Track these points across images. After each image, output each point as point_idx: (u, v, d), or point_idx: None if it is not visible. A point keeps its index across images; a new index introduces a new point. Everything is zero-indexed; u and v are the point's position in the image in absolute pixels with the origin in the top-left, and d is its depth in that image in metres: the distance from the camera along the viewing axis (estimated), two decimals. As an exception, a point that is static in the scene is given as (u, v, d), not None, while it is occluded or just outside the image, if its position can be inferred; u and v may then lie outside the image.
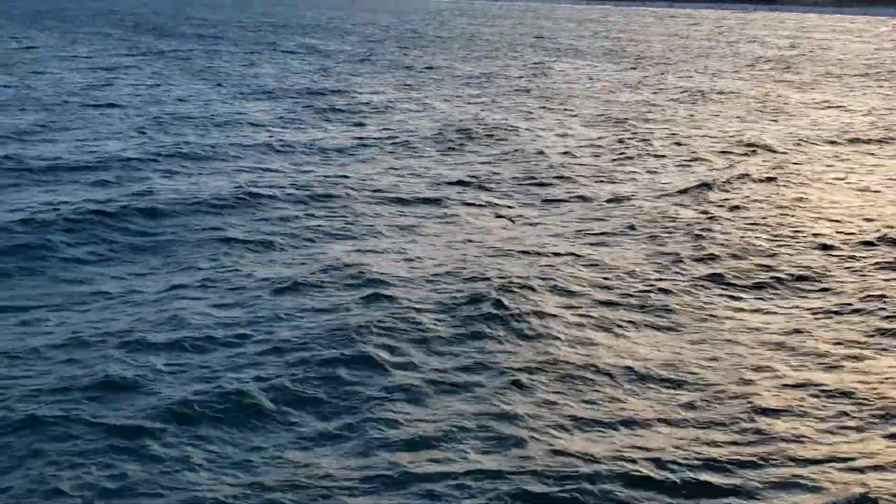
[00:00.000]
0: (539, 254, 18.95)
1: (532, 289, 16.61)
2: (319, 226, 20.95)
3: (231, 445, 11.72)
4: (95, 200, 22.63)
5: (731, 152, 28.54)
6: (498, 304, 15.92)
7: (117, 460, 11.28)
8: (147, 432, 11.94)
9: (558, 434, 11.87)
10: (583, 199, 23.31)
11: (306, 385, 13.14)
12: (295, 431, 12.04)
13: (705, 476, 10.78)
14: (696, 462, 11.09)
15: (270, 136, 31.04)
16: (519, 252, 19.06)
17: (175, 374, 13.53)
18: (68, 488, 10.73)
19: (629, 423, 12.15)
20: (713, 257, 18.55)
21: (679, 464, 11.06)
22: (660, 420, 12.25)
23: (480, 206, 22.70)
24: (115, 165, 26.62)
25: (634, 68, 50.68)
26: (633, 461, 11.16)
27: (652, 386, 13.21)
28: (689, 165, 26.96)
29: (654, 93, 41.65)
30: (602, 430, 12.01)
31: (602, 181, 25.06)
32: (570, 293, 16.60)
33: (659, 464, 11.07)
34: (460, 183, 24.86)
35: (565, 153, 28.62)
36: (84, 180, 25.04)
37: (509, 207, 22.64)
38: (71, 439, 11.79)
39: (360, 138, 31.09)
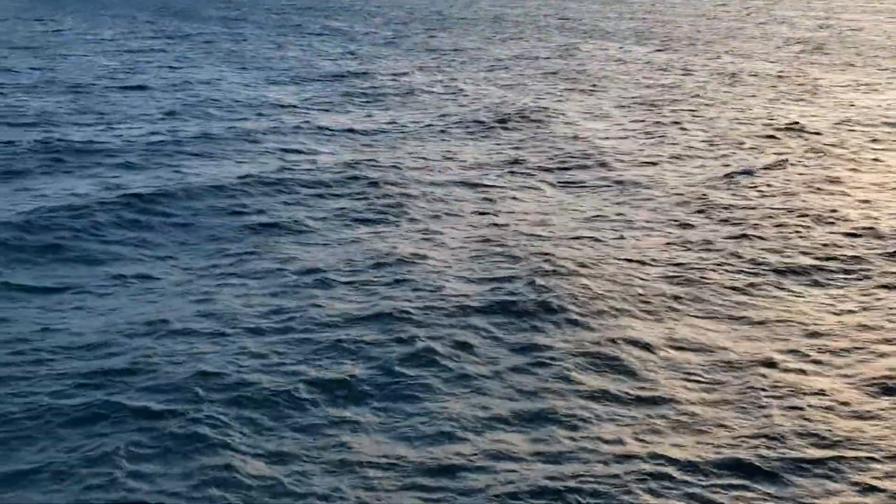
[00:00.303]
0: (576, 238, 18.87)
1: (572, 274, 16.55)
2: (354, 210, 20.92)
3: (267, 431, 11.72)
4: (127, 185, 22.70)
5: (766, 135, 28.29)
6: (537, 288, 15.87)
7: (149, 445, 11.32)
8: (179, 416, 11.98)
9: (598, 423, 11.80)
10: (619, 183, 23.18)
11: (344, 371, 13.13)
12: (331, 418, 12.02)
13: (752, 467, 10.71)
14: (739, 453, 11.01)
15: (300, 120, 31.01)
16: (556, 237, 18.98)
17: (211, 359, 13.54)
18: (105, 473, 10.78)
19: (667, 409, 12.08)
20: (751, 242, 18.43)
21: (722, 455, 10.98)
22: (701, 407, 12.17)
23: (516, 189, 22.61)
24: (146, 149, 26.68)
25: (663, 50, 50.33)
26: (676, 448, 11.10)
27: (693, 374, 13.12)
28: (724, 149, 26.75)
29: (685, 74, 41.34)
30: (642, 416, 11.94)
31: (638, 165, 24.90)
32: (610, 279, 16.51)
33: (705, 455, 11.00)
34: (495, 166, 24.78)
35: (599, 136, 28.45)
36: (114, 164, 25.12)
37: (545, 191, 22.53)
38: (105, 424, 11.84)
39: (391, 122, 31.01)
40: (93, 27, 61.13)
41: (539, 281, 16.11)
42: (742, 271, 16.91)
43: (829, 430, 11.41)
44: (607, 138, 28.30)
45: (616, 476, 10.52)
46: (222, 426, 11.76)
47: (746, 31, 60.55)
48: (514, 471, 10.72)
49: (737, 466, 10.66)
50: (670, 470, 10.61)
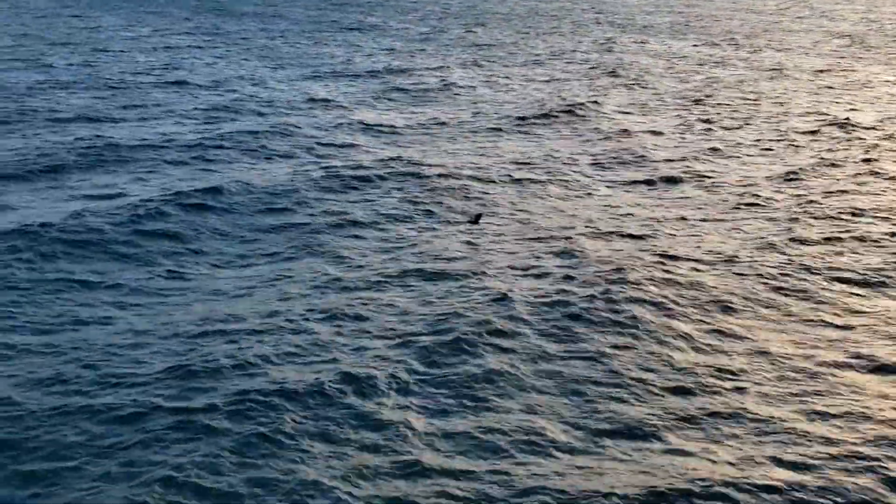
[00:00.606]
0: (632, 236, 18.68)
1: (637, 276, 16.39)
2: (401, 207, 20.78)
3: (326, 429, 11.73)
4: (171, 183, 22.66)
5: (817, 131, 27.93)
6: (602, 291, 15.68)
7: (219, 443, 11.35)
8: (244, 414, 11.95)
9: (662, 431, 11.59)
10: (670, 180, 22.94)
11: (406, 370, 13.12)
12: (389, 415, 11.94)
13: (841, 473, 10.50)
14: (821, 458, 10.80)
15: (341, 117, 30.87)
16: (611, 235, 18.79)
17: (273, 359, 13.50)
18: (181, 468, 10.77)
19: (744, 414, 11.87)
20: (809, 242, 18.16)
21: (808, 459, 10.78)
22: (776, 408, 11.95)
23: (565, 186, 22.37)
24: (188, 146, 26.62)
25: (704, 44, 49.85)
26: (754, 456, 10.90)
27: (763, 377, 12.89)
28: (771, 145, 26.44)
29: (726, 69, 40.90)
30: (722, 424, 11.74)
31: (688, 161, 24.61)
32: (667, 278, 16.35)
33: (789, 458, 10.81)
34: (541, 162, 24.53)
35: (644, 132, 28.15)
36: (157, 162, 25.08)
37: (595, 188, 22.29)
38: (166, 422, 11.86)
39: (433, 118, 30.81)
40: (130, 24, 61.27)
41: (603, 283, 15.91)
42: (804, 272, 16.65)
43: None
44: (652, 134, 28.01)
45: (706, 488, 10.35)
46: (283, 422, 11.81)
47: (786, 24, 59.94)
48: (571, 477, 10.57)
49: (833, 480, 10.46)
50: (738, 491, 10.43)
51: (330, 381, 12.69)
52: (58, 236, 18.50)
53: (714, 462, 10.81)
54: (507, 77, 39.25)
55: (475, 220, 19.21)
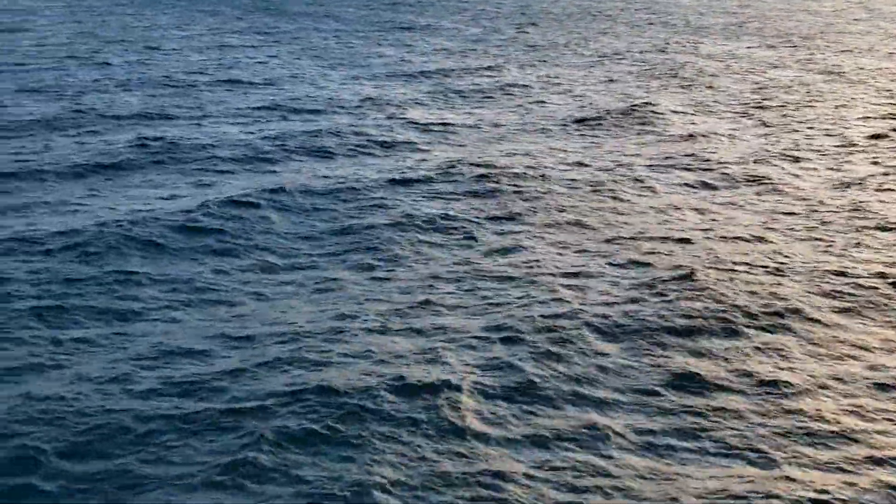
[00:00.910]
0: (695, 240, 18.46)
1: (696, 279, 16.18)
2: (461, 210, 20.69)
3: (391, 435, 11.72)
4: (227, 184, 22.74)
5: (878, 136, 27.39)
6: (662, 293, 15.52)
7: (293, 450, 11.35)
8: (303, 415, 11.96)
9: (744, 445, 11.35)
10: (729, 183, 22.68)
11: (469, 374, 13.05)
12: (453, 420, 11.92)
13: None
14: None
15: (399, 118, 30.79)
16: (672, 238, 18.59)
17: (334, 361, 13.53)
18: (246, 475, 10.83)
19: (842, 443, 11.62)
20: (872, 249, 17.83)
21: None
22: (869, 422, 11.68)
23: (628, 189, 22.17)
24: (243, 147, 26.69)
25: (759, 46, 49.24)
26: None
27: (851, 389, 12.62)
28: (833, 149, 26.01)
29: (785, 71, 40.38)
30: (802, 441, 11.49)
31: (747, 164, 24.34)
32: (734, 284, 16.11)
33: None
34: (604, 165, 24.30)
35: (705, 134, 27.85)
36: (213, 163, 25.16)
37: (658, 191, 22.02)
38: (237, 426, 11.86)
39: (491, 119, 30.71)
40: (184, 22, 61.65)
41: (670, 289, 15.73)
42: (871, 279, 16.30)
43: None
44: (709, 136, 27.70)
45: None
46: (342, 425, 11.83)
47: (842, 26, 59.09)
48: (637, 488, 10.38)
49: None
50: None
51: (390, 384, 12.68)
52: (113, 236, 18.59)
53: (800, 480, 10.53)
54: (562, 78, 39.00)
55: None
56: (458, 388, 12.52)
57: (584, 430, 11.55)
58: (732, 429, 11.51)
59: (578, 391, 12.54)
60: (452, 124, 29.86)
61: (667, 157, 25.22)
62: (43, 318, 14.99)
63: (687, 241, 18.48)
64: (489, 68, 41.65)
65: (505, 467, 10.79)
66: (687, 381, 12.76)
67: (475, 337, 14.15)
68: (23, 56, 44.49)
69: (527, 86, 36.91)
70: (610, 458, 10.98)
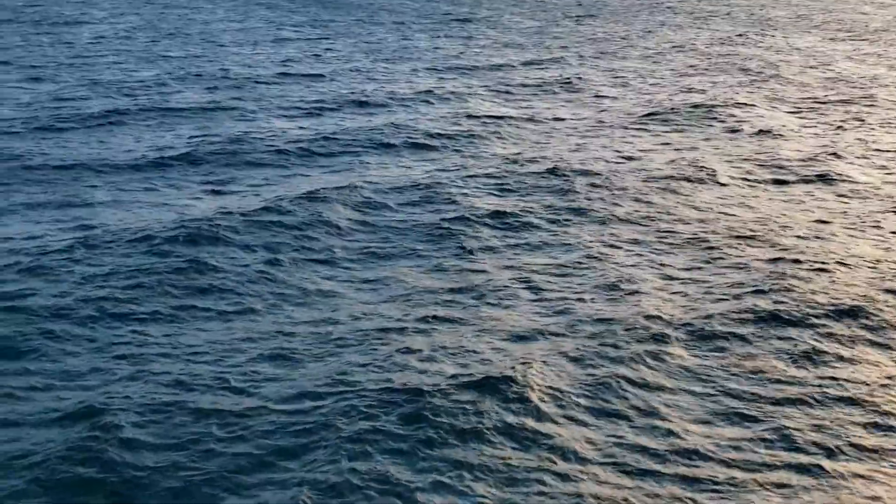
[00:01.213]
0: (774, 240, 18.21)
1: (781, 280, 15.90)
2: (536, 205, 20.53)
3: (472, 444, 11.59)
4: (295, 183, 22.60)
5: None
6: (747, 294, 15.36)
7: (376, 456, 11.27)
8: (380, 415, 11.88)
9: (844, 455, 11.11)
10: (805, 181, 22.21)
11: (545, 374, 12.92)
12: (528, 422, 11.78)
13: None
14: None
15: (461, 112, 30.66)
16: (750, 238, 18.31)
17: (412, 359, 13.45)
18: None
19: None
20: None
21: None
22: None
23: (703, 187, 21.86)
24: (307, 141, 26.72)
25: (830, 39, 48.45)
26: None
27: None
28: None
29: (859, 65, 39.67)
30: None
31: (822, 162, 23.86)
32: (821, 287, 15.88)
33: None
34: (677, 163, 23.84)
35: (777, 130, 27.45)
36: (278, 156, 25.17)
37: (733, 189, 21.66)
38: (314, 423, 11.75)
39: (556, 114, 30.54)
40: (240, 16, 61.89)
41: (754, 291, 15.48)
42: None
43: None
44: (783, 132, 27.33)
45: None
46: (418, 424, 11.76)
47: (917, 18, 58.01)
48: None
49: None
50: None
51: (466, 382, 12.58)
52: (182, 231, 18.60)
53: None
54: (624, 71, 38.61)
55: None
56: (531, 388, 12.42)
57: (660, 436, 11.37)
58: (816, 429, 11.27)
59: (653, 393, 12.34)
60: (513, 118, 29.64)
61: (735, 154, 24.84)
62: (113, 314, 15.04)
63: (759, 238, 18.18)
64: (549, 61, 41.34)
65: (575, 465, 10.70)
66: (766, 382, 12.54)
67: (546, 333, 14.04)
68: (82, 49, 44.90)
69: (587, 79, 36.58)
70: (685, 459, 10.80)
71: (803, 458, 10.92)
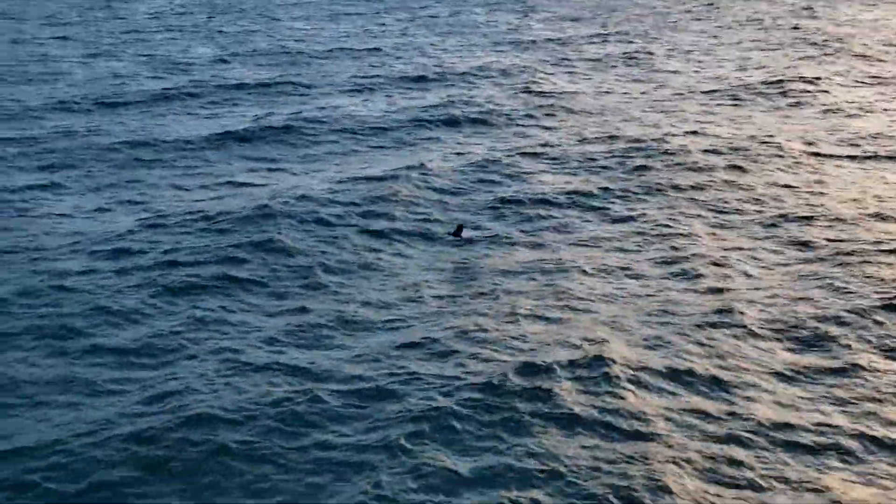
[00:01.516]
0: (858, 219, 17.89)
1: (862, 262, 15.73)
2: (608, 185, 20.21)
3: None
4: (371, 162, 22.36)
5: None
6: (827, 276, 15.04)
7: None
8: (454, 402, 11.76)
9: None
10: (889, 157, 21.71)
11: (632, 362, 12.79)
12: (617, 406, 11.64)
13: None
14: None
15: (524, 90, 30.17)
16: (835, 219, 17.93)
17: (489, 343, 13.42)
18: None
19: None
20: None
21: None
22: None
23: (780, 167, 21.35)
24: (371, 121, 26.30)
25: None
26: None
27: None
28: None
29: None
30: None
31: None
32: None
33: None
34: (752, 141, 23.25)
35: (859, 106, 26.60)
36: (347, 136, 24.89)
37: (814, 168, 21.24)
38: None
39: (625, 90, 29.92)
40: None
41: (833, 271, 15.25)
42: None
43: None
44: (859, 108, 26.60)
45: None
46: (497, 410, 11.66)
47: None
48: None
49: None
50: None
51: (537, 360, 12.57)
52: (232, 212, 18.60)
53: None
54: (690, 46, 37.95)
55: (457, 232, 17.50)
56: (612, 363, 12.40)
57: (736, 407, 11.25)
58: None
59: (736, 376, 12.21)
60: (575, 93, 29.29)
61: (813, 130, 24.32)
62: (173, 291, 15.13)
63: (840, 219, 17.83)
64: (610, 35, 40.82)
65: (657, 449, 10.64)
66: (854, 371, 12.36)
67: (618, 310, 13.95)
68: (138, 25, 45.13)
69: (652, 53, 36.04)
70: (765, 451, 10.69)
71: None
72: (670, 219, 18.10)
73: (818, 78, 30.60)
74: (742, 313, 13.92)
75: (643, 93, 29.39)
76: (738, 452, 10.74)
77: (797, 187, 19.83)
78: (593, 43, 39.13)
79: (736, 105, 27.46)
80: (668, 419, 11.36)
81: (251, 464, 10.71)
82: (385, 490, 10.15)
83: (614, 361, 12.54)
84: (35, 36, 40.72)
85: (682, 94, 29.01)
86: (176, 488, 10.39)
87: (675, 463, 10.50)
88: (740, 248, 16.63)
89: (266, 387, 12.24)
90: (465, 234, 17.45)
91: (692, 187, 19.98)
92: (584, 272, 15.73)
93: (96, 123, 26.16)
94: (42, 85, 31.25)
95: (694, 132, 24.21)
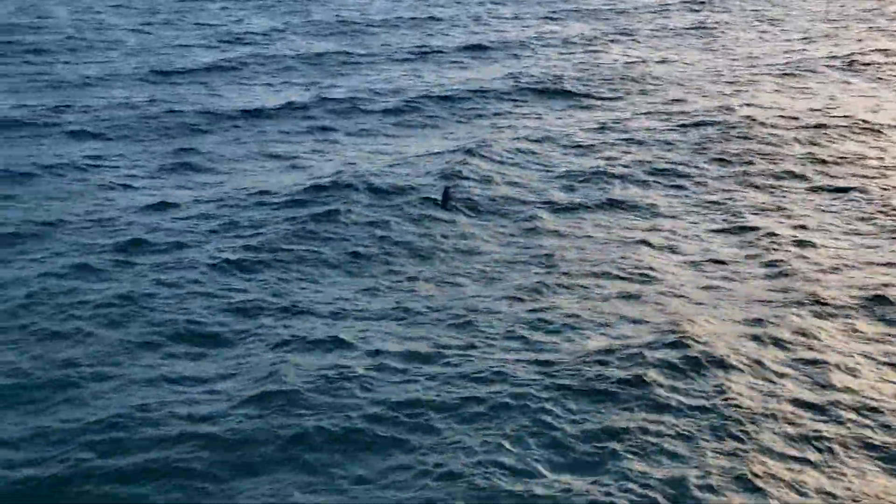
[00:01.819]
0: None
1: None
2: (682, 161, 19.83)
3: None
4: (440, 138, 22.02)
5: None
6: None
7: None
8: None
9: None
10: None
11: (733, 341, 12.42)
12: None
13: None
14: None
15: (598, 62, 29.56)
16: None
17: (556, 326, 13.12)
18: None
19: None
20: None
21: None
22: None
23: (857, 144, 20.76)
24: (440, 94, 25.74)
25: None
26: None
27: None
28: None
29: None
30: None
31: None
32: None
33: None
34: (827, 118, 22.63)
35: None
36: (409, 111, 24.43)
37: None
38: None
39: (693, 61, 29.34)
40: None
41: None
42: None
43: None
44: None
45: None
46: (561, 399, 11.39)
47: None
48: None
49: None
50: None
51: (620, 342, 12.36)
52: (289, 187, 18.40)
53: None
54: (760, 18, 37.13)
55: (444, 200, 16.91)
56: (697, 345, 12.10)
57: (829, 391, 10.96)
58: None
59: (825, 357, 11.90)
60: (639, 65, 28.78)
61: (882, 105, 23.78)
62: (228, 267, 14.92)
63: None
64: (672, 4, 40.15)
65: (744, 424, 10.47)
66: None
67: (701, 289, 13.65)
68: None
69: (721, 24, 35.40)
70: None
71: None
72: (741, 194, 17.71)
73: (889, 50, 29.84)
74: (825, 290, 13.54)
75: (707, 64, 28.83)
76: (829, 431, 10.42)
77: (871, 161, 19.36)
78: (654, 12, 38.52)
79: (810, 79, 26.79)
80: (759, 404, 11.02)
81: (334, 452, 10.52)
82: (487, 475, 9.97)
83: (699, 342, 12.21)
84: (91, 5, 40.77)
85: (755, 68, 28.31)
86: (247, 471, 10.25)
87: (765, 452, 10.22)
88: (820, 225, 16.20)
89: (339, 368, 12.00)
90: (454, 193, 16.96)
91: (763, 161, 19.53)
92: (660, 248, 15.41)
93: (152, 94, 26.07)
94: (98, 54, 31.25)
95: (769, 107, 23.65)
